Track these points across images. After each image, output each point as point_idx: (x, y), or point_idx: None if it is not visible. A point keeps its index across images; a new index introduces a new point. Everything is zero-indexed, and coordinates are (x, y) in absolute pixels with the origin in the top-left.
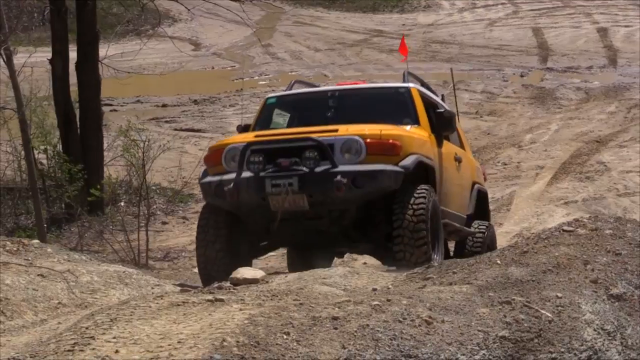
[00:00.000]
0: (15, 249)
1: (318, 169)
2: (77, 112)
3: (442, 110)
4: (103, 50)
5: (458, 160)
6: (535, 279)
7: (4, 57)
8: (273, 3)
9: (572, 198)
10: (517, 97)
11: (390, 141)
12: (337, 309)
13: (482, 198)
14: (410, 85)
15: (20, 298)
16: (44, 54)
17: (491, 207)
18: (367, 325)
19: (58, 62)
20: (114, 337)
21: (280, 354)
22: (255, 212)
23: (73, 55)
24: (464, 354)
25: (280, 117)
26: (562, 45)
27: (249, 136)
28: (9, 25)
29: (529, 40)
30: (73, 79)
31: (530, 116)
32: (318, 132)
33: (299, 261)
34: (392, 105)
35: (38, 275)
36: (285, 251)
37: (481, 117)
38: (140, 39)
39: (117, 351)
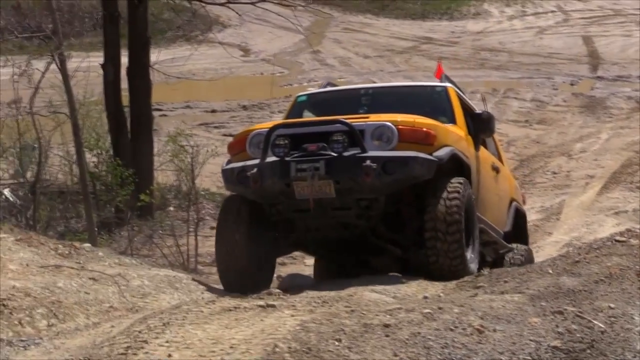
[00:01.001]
0: (67, 252)
1: (346, 154)
2: (128, 116)
3: (481, 111)
4: (154, 56)
5: (495, 169)
6: (587, 289)
7: (58, 62)
8: (322, 9)
9: (622, 208)
10: (567, 105)
11: (424, 129)
12: (388, 316)
13: (520, 218)
14: (448, 84)
15: (72, 301)
16: (96, 59)
17: (540, 216)
18: (419, 333)
19: (109, 67)
20: (167, 342)
21: None
22: (280, 200)
23: (124, 60)
24: None
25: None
26: (613, 53)
27: (275, 122)
28: (63, 31)
29: (579, 48)
30: (124, 84)
31: (580, 125)
32: (349, 118)
33: (327, 272)
34: (428, 104)
35: (90, 278)
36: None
37: (531, 125)
38: (191, 45)
39: (170, 355)
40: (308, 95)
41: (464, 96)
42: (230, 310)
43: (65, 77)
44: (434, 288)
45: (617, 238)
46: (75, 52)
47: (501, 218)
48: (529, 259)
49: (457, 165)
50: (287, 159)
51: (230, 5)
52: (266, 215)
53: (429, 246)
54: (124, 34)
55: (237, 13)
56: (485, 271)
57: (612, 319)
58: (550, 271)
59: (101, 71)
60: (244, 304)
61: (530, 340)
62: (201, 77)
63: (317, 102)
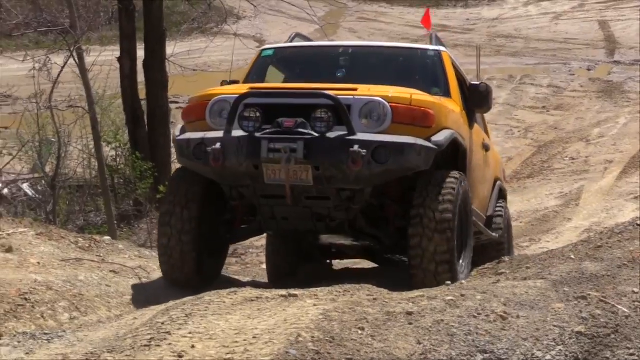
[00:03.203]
0: (87, 245)
1: (331, 135)
2: (145, 109)
3: (478, 83)
4: (170, 49)
5: (486, 148)
6: (610, 273)
7: (76, 57)
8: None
9: None
10: (584, 91)
11: (423, 109)
12: (411, 304)
13: (502, 198)
14: (442, 48)
15: (93, 294)
16: (112, 53)
17: (559, 202)
18: (442, 320)
19: (126, 61)
20: (190, 333)
21: (355, 349)
22: (244, 183)
23: (141, 53)
24: (540, 350)
25: (274, 78)
26: (630, 38)
27: (243, 87)
28: (80, 25)
29: (595, 33)
30: (141, 77)
31: (598, 110)
32: (332, 89)
33: (282, 268)
34: (418, 71)
35: (110, 271)
36: None
37: (548, 111)
38: (206, 37)
39: (193, 346)
40: (275, 49)
41: (457, 64)
42: (253, 300)
43: (83, 71)
44: None
45: (639, 222)
46: (92, 46)
47: (486, 202)
48: (507, 216)
49: (453, 151)
50: (257, 135)
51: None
52: (223, 197)
53: (412, 246)
54: (139, 27)
55: (252, 4)
56: (507, 258)
57: (637, 303)
58: (573, 256)
59: (118, 65)
60: (266, 294)
61: (554, 326)
62: (217, 69)
63: (286, 59)
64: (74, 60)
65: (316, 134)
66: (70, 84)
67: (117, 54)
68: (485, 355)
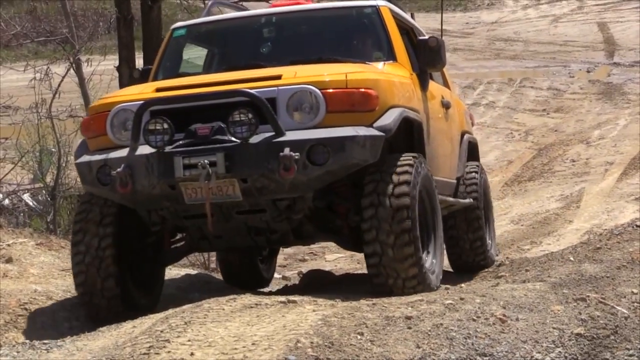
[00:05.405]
0: None
1: (255, 139)
2: None
3: (426, 37)
4: None
5: (446, 106)
6: (609, 275)
7: (74, 66)
8: None
9: None
10: (584, 93)
11: (362, 90)
12: (410, 308)
13: (472, 151)
14: (380, 2)
15: None
16: (110, 62)
17: (560, 204)
18: (441, 324)
19: (125, 69)
20: (189, 340)
21: (354, 354)
22: (162, 206)
23: (140, 62)
24: (539, 352)
25: (195, 57)
26: (629, 39)
27: (148, 89)
28: (78, 34)
29: (594, 35)
30: None
31: (598, 112)
32: (252, 79)
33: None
34: (355, 34)
35: None
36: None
37: (548, 114)
38: None
39: (192, 354)
40: (187, 27)
41: (402, 14)
42: (252, 307)
43: (82, 81)
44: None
45: (638, 223)
46: (91, 55)
47: (453, 164)
48: (483, 178)
49: (405, 129)
50: (167, 149)
51: (244, 3)
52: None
53: (367, 242)
54: (138, 36)
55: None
56: (507, 260)
57: (636, 304)
58: (572, 258)
59: (116, 73)
60: (265, 301)
61: (554, 328)
62: None
63: (202, 37)
64: (73, 69)
65: (237, 140)
66: (71, 94)
67: (116, 62)
68: (484, 358)
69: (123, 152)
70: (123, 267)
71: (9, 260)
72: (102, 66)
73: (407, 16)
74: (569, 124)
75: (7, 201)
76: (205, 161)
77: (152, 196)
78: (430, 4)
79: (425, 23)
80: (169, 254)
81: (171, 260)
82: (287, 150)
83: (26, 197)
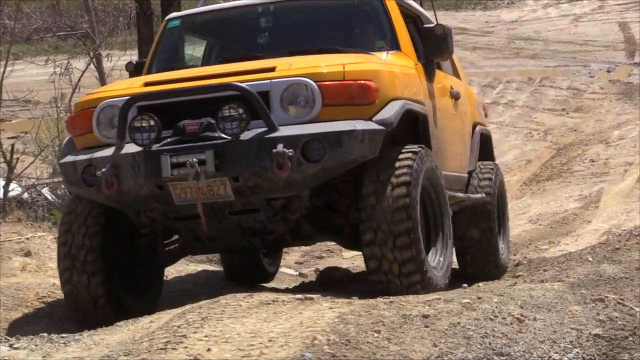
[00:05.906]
0: None
1: (246, 135)
2: None
3: (432, 25)
4: (189, 51)
5: (455, 96)
6: (628, 276)
7: (94, 61)
8: None
9: None
10: (604, 93)
11: (361, 82)
12: (427, 307)
13: (485, 143)
14: None
15: None
16: (131, 57)
17: (579, 204)
18: (458, 323)
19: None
20: (206, 336)
21: (371, 352)
22: (150, 207)
23: None
24: (557, 352)
25: (193, 49)
26: None
27: (136, 84)
28: (100, 30)
29: (615, 35)
30: None
31: (617, 112)
32: (244, 72)
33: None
34: (356, 23)
35: None
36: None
37: (567, 113)
38: None
39: (209, 349)
40: (182, 18)
41: (407, 0)
42: (269, 303)
43: (102, 76)
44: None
45: None
46: (111, 50)
47: (464, 158)
48: (499, 178)
49: (410, 122)
50: (155, 148)
51: None
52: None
53: (366, 243)
54: (158, 31)
55: None
56: (524, 260)
57: None
58: (590, 259)
59: None
60: (282, 297)
61: (571, 328)
62: None
63: (197, 28)
64: (93, 64)
65: (227, 137)
66: (91, 89)
67: (136, 58)
68: (501, 357)
69: (109, 151)
70: (112, 268)
71: (27, 254)
72: (122, 61)
73: (413, 3)
74: (589, 123)
75: (26, 195)
76: (194, 159)
77: (139, 197)
78: (450, 3)
79: (445, 21)
80: (162, 257)
81: (165, 263)
82: (280, 147)
83: (45, 191)
